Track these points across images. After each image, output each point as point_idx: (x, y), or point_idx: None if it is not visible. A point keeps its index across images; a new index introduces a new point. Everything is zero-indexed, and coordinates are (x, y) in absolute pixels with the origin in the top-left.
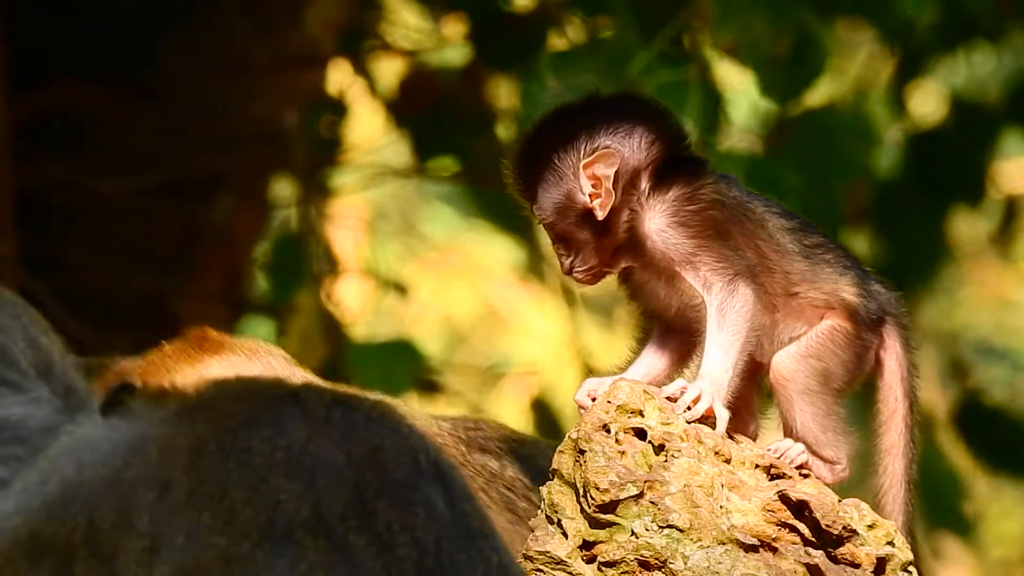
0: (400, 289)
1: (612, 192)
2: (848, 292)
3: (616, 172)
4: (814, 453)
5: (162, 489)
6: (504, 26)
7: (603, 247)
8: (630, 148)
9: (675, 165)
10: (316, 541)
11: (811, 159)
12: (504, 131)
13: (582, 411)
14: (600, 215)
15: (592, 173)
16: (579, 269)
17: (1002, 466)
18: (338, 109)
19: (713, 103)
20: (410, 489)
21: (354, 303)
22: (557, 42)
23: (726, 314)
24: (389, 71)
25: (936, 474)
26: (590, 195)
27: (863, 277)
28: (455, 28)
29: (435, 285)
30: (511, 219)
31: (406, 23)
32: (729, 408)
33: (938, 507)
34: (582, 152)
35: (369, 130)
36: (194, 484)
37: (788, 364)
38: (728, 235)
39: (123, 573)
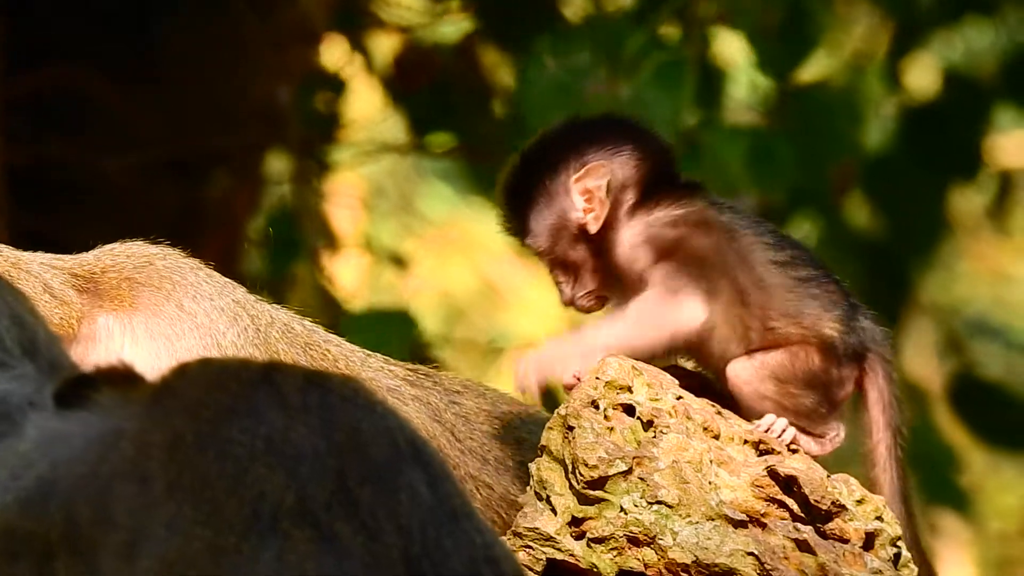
0: (398, 262)
1: (605, 202)
2: (829, 327)
3: (608, 183)
4: (801, 429)
5: (140, 483)
6: (507, 2)
7: (599, 267)
8: (618, 162)
9: (665, 185)
10: (303, 531)
11: (806, 133)
12: (501, 107)
13: (568, 390)
14: (594, 228)
15: (584, 187)
16: (580, 295)
17: (998, 441)
18: (334, 85)
19: (709, 80)
20: (392, 474)
21: (352, 279)
22: (559, 18)
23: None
24: (386, 47)
25: (932, 449)
26: (584, 210)
27: (850, 312)
28: (456, 3)
29: (433, 261)
30: None
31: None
32: None
33: (934, 482)
34: (571, 169)
35: (366, 106)
36: (173, 477)
37: (744, 368)
38: (701, 263)
39: (104, 569)
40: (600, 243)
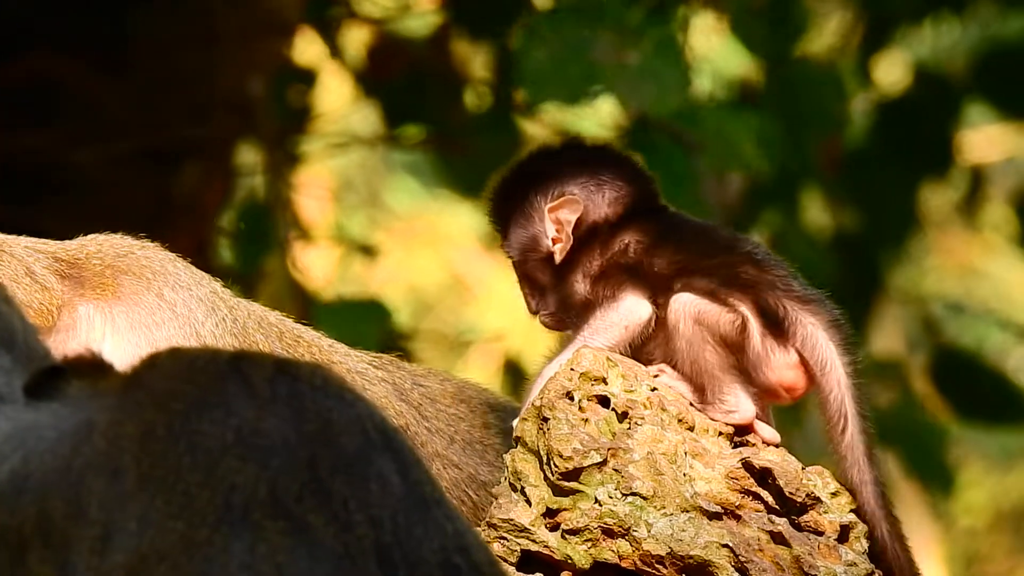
0: (368, 251)
1: (571, 238)
2: (767, 295)
3: (578, 219)
4: (695, 387)
5: (111, 476)
6: None
7: (561, 295)
8: (595, 200)
9: (633, 217)
10: (275, 523)
11: (787, 112)
12: (474, 99)
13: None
14: (558, 258)
15: (556, 217)
16: (544, 312)
17: (975, 415)
18: (306, 78)
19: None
20: (363, 463)
21: (321, 270)
22: (530, 9)
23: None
24: (357, 39)
25: (915, 427)
26: (552, 239)
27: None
28: None
29: (401, 254)
30: (476, 188)
31: None
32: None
33: (916, 459)
34: (549, 196)
35: (337, 99)
36: (145, 470)
37: (684, 303)
38: (641, 272)
39: (77, 562)
40: (563, 272)
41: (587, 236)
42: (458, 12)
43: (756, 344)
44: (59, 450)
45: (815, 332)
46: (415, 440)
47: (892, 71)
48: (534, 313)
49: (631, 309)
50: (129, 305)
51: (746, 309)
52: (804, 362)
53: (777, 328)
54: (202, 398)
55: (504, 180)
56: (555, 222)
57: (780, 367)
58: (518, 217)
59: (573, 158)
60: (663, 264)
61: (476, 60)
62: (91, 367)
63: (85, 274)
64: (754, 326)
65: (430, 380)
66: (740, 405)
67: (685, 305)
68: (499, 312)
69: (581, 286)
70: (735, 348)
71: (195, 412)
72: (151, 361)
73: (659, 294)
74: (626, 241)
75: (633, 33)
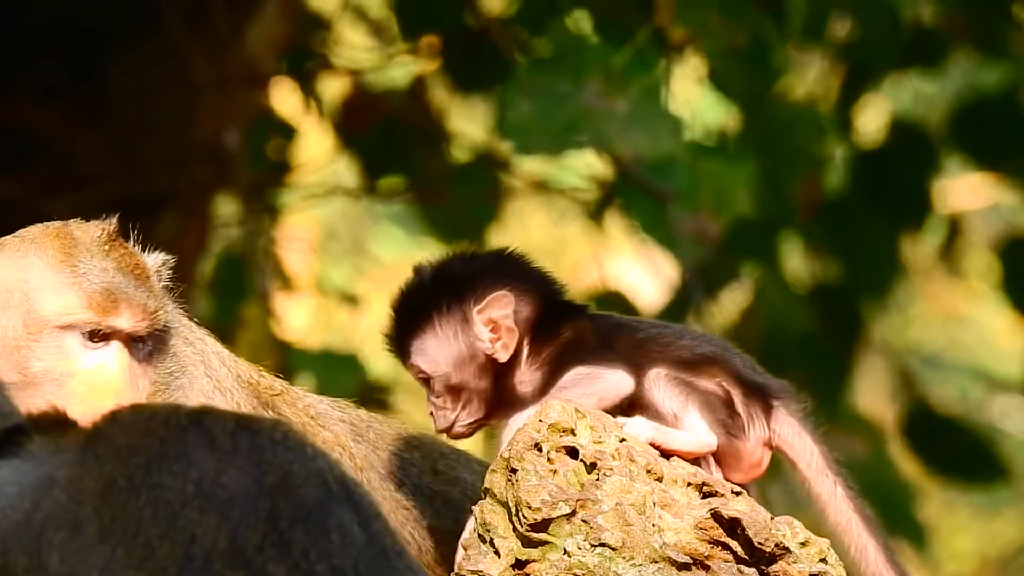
0: (351, 300)
1: (513, 330)
2: (733, 362)
3: (513, 312)
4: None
5: (72, 529)
6: (471, 46)
7: (497, 394)
8: (521, 294)
9: (556, 314)
10: (236, 573)
11: (766, 155)
12: (457, 150)
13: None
14: (503, 357)
15: (488, 318)
16: (463, 423)
17: (952, 473)
18: (283, 128)
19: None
20: (324, 514)
21: (303, 321)
22: (511, 61)
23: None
24: (335, 90)
25: (888, 483)
26: (490, 339)
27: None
28: (418, 48)
29: (384, 304)
30: (459, 238)
31: (351, 42)
32: None
33: (891, 516)
34: (473, 300)
35: (316, 149)
36: (105, 522)
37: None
38: (608, 356)
39: None
40: (505, 370)
41: (529, 327)
42: (443, 64)
43: (740, 413)
44: (20, 505)
45: (783, 411)
46: (368, 479)
47: (871, 121)
48: (446, 428)
49: (617, 384)
50: None
51: (724, 379)
52: (775, 438)
53: (759, 400)
54: (163, 451)
55: (410, 299)
56: (487, 323)
57: (754, 440)
58: (441, 330)
59: (481, 264)
60: (625, 347)
61: (454, 112)
62: (54, 423)
63: None
64: (737, 396)
65: (385, 426)
66: (701, 432)
67: (666, 378)
68: None
69: (537, 374)
70: (719, 423)
71: (156, 465)
72: (112, 416)
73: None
74: (577, 329)
75: (619, 80)
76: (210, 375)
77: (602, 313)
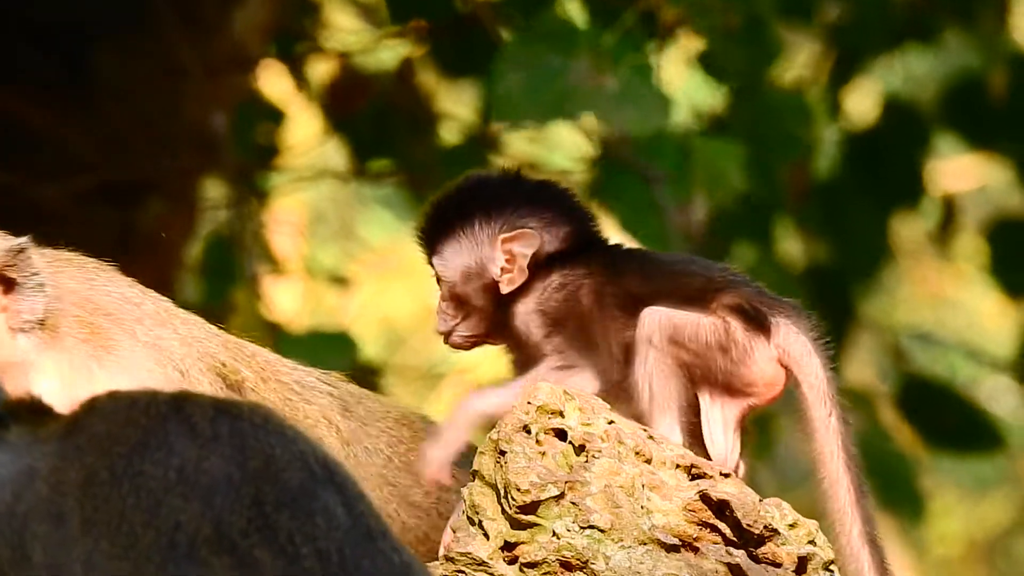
0: (340, 281)
1: (525, 272)
2: (732, 295)
3: (533, 254)
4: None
5: (55, 521)
6: (457, 29)
7: (494, 320)
8: (549, 236)
9: (591, 254)
10: (221, 559)
11: (756, 138)
12: (446, 133)
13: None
14: (506, 289)
15: (509, 249)
16: (461, 334)
17: (947, 443)
18: (271, 112)
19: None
20: (308, 497)
21: (292, 304)
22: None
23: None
24: (323, 73)
25: (884, 456)
26: (502, 268)
27: (757, 292)
28: (406, 31)
29: (373, 287)
30: None
31: (339, 25)
32: None
33: (886, 488)
34: (504, 225)
35: (305, 132)
36: (88, 513)
37: (664, 316)
38: (588, 333)
39: None
40: (505, 302)
41: (539, 272)
42: (432, 48)
43: (740, 340)
44: (2, 497)
45: (790, 325)
46: (354, 453)
47: (862, 102)
48: (444, 333)
49: (581, 384)
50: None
51: (725, 311)
52: (783, 355)
53: (758, 324)
54: (143, 440)
55: (448, 200)
56: (507, 253)
57: (762, 361)
58: (463, 239)
59: (525, 190)
60: (633, 288)
61: (443, 94)
62: (31, 412)
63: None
64: (736, 324)
65: (377, 403)
66: (673, 437)
67: (660, 320)
68: None
69: (531, 324)
70: (715, 351)
71: (137, 454)
72: (90, 405)
73: (628, 321)
74: (580, 283)
75: (609, 58)
76: (165, 360)
77: (625, 249)
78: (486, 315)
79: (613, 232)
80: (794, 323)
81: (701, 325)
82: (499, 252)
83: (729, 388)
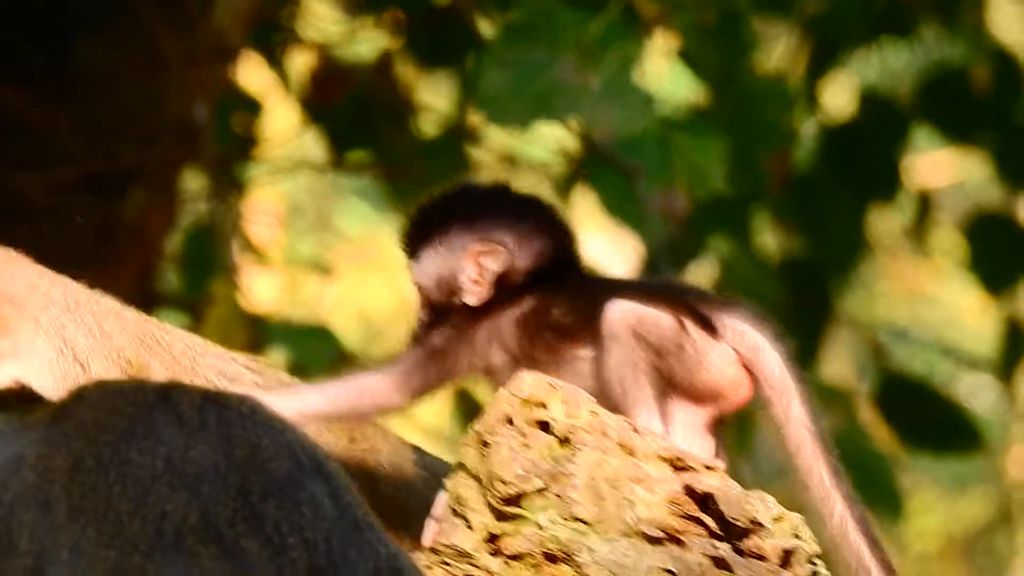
0: (321, 269)
1: (490, 287)
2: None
3: (502, 272)
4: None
5: (42, 508)
6: (434, 20)
7: (455, 328)
8: (522, 254)
9: (558, 276)
10: (207, 548)
11: (735, 130)
12: (425, 125)
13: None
14: (470, 300)
15: (479, 262)
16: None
17: (926, 442)
18: (250, 103)
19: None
20: (295, 488)
21: (270, 296)
22: (477, 36)
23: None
24: (302, 64)
25: (862, 454)
26: (471, 279)
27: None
28: (383, 22)
29: (351, 279)
30: None
31: (319, 15)
32: None
33: (866, 487)
34: (478, 236)
35: (284, 124)
36: (75, 501)
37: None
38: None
39: None
40: (468, 315)
41: (505, 290)
42: (405, 38)
43: (696, 340)
44: None
45: (739, 324)
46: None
47: (839, 96)
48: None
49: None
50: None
51: (679, 313)
52: (740, 355)
53: (709, 327)
54: (130, 428)
55: (432, 207)
56: (476, 265)
57: (721, 363)
58: (439, 247)
59: (508, 205)
60: (580, 309)
61: (422, 86)
62: (18, 399)
63: None
64: (690, 325)
65: None
66: (653, 426)
67: (622, 312)
68: None
69: (484, 343)
70: (675, 349)
71: (124, 442)
72: (78, 393)
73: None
74: (545, 299)
75: (593, 54)
76: (67, 352)
77: (586, 276)
78: (446, 320)
79: (593, 220)
80: (744, 321)
81: (662, 318)
82: (470, 264)
83: (696, 395)
